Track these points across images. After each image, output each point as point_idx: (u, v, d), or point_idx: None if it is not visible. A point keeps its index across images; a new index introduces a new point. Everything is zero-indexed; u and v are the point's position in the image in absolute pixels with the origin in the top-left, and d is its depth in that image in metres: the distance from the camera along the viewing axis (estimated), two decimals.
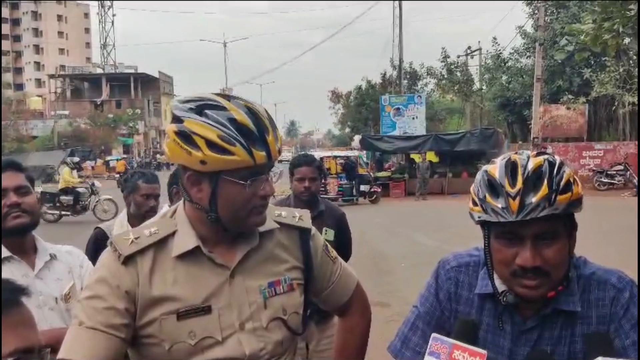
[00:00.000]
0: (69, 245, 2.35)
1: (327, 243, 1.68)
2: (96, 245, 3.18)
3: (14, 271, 2.04)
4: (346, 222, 3.77)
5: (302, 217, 1.61)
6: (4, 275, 1.96)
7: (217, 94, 1.41)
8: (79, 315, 1.39)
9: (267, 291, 1.48)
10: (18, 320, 0.88)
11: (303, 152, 5.08)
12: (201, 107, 1.36)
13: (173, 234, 1.45)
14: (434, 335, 1.35)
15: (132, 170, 3.94)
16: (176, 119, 1.38)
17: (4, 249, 2.05)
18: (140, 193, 3.31)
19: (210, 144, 1.33)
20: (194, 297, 1.41)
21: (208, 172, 1.37)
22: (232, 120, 1.35)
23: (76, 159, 19.00)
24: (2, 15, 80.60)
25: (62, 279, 2.12)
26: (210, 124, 1.34)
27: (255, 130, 1.36)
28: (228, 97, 1.40)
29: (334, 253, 1.68)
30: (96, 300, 1.38)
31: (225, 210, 1.40)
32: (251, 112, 1.38)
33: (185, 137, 1.35)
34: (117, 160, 41.51)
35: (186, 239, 1.44)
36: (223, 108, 1.36)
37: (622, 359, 1.23)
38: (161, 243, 1.44)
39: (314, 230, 1.62)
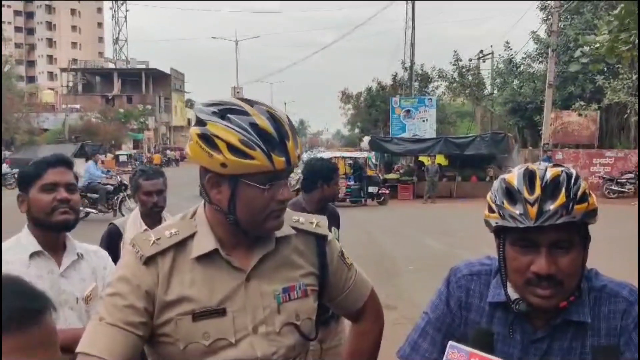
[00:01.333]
0: (96, 246, 2.38)
1: (343, 249, 1.68)
2: (109, 241, 3.24)
3: (41, 267, 2.07)
4: (339, 223, 4.02)
5: (319, 223, 1.61)
6: (31, 270, 2.01)
7: (241, 99, 1.44)
8: (100, 311, 1.43)
9: (281, 296, 1.49)
10: (38, 340, 0.83)
11: (318, 157, 5.16)
12: (224, 111, 1.39)
13: (193, 235, 1.47)
14: (451, 343, 1.36)
15: (135, 169, 3.97)
16: (199, 122, 1.41)
17: (35, 243, 2.08)
18: (142, 191, 3.32)
19: (232, 148, 1.35)
20: (210, 299, 1.44)
21: (228, 175, 1.39)
22: (254, 125, 1.37)
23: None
24: (16, 8, 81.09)
25: (85, 280, 2.15)
26: (233, 128, 1.36)
27: (276, 136, 1.38)
28: (251, 103, 1.42)
29: (349, 260, 1.69)
30: (117, 298, 1.41)
31: (243, 212, 1.42)
32: (273, 118, 1.40)
33: (208, 139, 1.37)
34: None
35: (205, 241, 1.46)
36: (246, 113, 1.38)
37: None
38: (181, 244, 1.46)
39: (330, 236, 1.63)
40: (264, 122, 1.38)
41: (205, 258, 1.46)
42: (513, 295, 1.42)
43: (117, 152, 44.89)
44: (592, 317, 1.40)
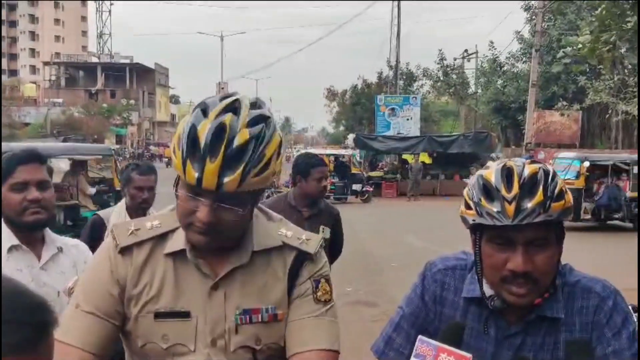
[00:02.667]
0: (76, 240, 2.34)
1: (327, 280, 1.47)
2: (92, 231, 3.23)
3: (20, 261, 2.02)
4: (340, 221, 3.93)
5: (309, 240, 1.47)
6: (10, 264, 1.95)
7: (253, 103, 1.32)
8: (77, 297, 1.40)
9: (239, 317, 1.39)
10: (45, 356, 0.78)
11: (305, 152, 5.12)
12: (208, 108, 1.29)
13: (174, 230, 1.41)
14: (420, 337, 1.35)
15: (128, 162, 3.96)
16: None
17: (12, 237, 2.02)
18: (133, 185, 3.31)
19: (177, 144, 1.29)
20: (176, 300, 1.38)
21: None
22: (194, 129, 1.25)
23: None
24: None
25: (65, 272, 2.10)
26: (185, 126, 1.28)
27: (202, 149, 1.24)
28: (236, 109, 1.28)
29: (327, 297, 1.44)
30: (94, 284, 1.39)
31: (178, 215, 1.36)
32: (218, 133, 1.24)
33: None
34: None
35: (179, 239, 1.39)
36: (208, 115, 1.27)
37: None
38: (160, 238, 1.41)
39: (317, 257, 1.46)
40: (202, 131, 1.24)
41: (179, 257, 1.40)
42: (488, 291, 1.41)
43: None
44: (565, 312, 1.40)
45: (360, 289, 8.09)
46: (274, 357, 1.43)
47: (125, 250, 1.39)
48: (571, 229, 11.91)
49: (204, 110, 1.28)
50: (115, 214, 3.33)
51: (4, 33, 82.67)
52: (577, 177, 14.27)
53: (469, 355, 1.31)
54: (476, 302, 1.45)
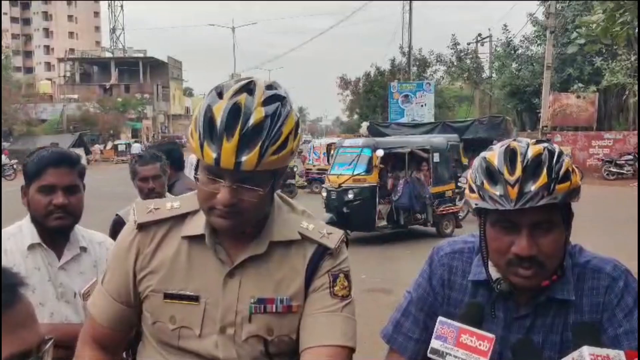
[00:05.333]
0: (102, 234, 2.28)
1: (347, 276, 1.44)
2: (115, 233, 3.22)
3: (40, 259, 1.99)
4: None
5: (330, 235, 1.44)
6: (29, 262, 1.96)
7: (268, 85, 1.31)
8: (105, 272, 1.50)
9: (254, 306, 1.38)
10: (15, 321, 0.78)
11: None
12: (223, 90, 1.29)
13: (194, 212, 1.41)
14: (440, 318, 1.36)
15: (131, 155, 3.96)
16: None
17: (35, 235, 2.00)
18: (139, 177, 3.30)
19: (193, 128, 1.30)
20: (187, 283, 1.39)
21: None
22: (209, 110, 1.26)
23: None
24: None
25: (85, 273, 2.06)
26: (201, 108, 1.28)
27: (218, 129, 1.24)
28: (251, 89, 1.28)
29: (345, 292, 1.41)
30: (113, 265, 1.46)
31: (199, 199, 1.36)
32: (234, 112, 1.24)
33: None
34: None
35: (198, 223, 1.40)
36: (222, 97, 1.27)
37: (607, 349, 1.23)
38: (179, 219, 1.42)
39: (338, 252, 1.44)
40: (217, 111, 1.24)
41: (196, 240, 1.40)
42: (494, 274, 1.41)
43: (116, 142, 44.81)
44: (575, 293, 1.39)
45: (376, 276, 8.09)
46: (285, 349, 1.41)
47: (143, 228, 1.41)
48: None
49: (220, 92, 1.28)
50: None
51: (18, 31, 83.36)
52: (369, 170, 10.80)
53: (491, 335, 1.31)
54: (484, 284, 1.44)
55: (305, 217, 1.47)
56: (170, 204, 1.43)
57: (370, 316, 6.08)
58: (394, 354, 1.53)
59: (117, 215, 3.38)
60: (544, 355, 1.38)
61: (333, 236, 1.44)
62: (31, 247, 1.99)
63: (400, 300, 1.60)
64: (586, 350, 1.21)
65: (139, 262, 1.41)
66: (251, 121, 1.23)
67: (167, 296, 1.39)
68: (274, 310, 1.38)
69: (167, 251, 1.40)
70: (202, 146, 1.25)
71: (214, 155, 1.23)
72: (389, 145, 11.41)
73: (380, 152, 10.70)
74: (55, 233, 2.01)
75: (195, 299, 1.38)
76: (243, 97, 1.25)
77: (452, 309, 1.47)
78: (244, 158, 1.23)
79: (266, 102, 1.26)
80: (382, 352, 1.59)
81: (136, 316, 1.47)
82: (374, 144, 11.10)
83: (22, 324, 0.79)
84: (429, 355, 1.35)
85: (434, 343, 1.33)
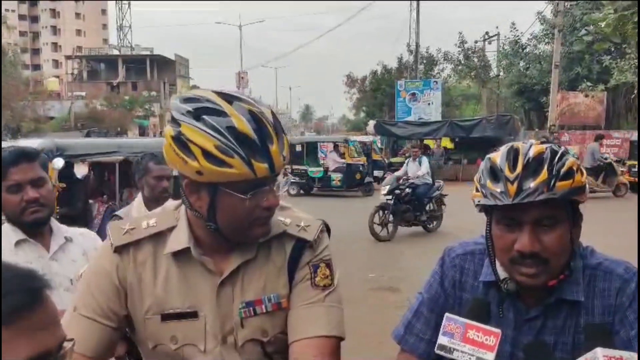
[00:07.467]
0: (83, 228, 2.36)
1: (328, 264, 1.43)
2: None
3: (29, 253, 2.05)
4: None
5: (308, 227, 1.43)
6: (19, 257, 1.98)
7: (220, 93, 1.28)
8: (75, 300, 1.38)
9: (243, 311, 1.37)
10: (34, 324, 0.76)
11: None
12: (199, 111, 1.24)
13: (172, 229, 1.38)
14: (447, 315, 1.36)
15: (142, 153, 3.92)
16: (173, 121, 1.26)
17: (18, 232, 2.05)
18: (151, 175, 3.28)
19: (207, 154, 1.22)
20: (183, 300, 1.36)
21: (206, 182, 1.26)
22: (232, 129, 1.22)
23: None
24: None
25: (76, 260, 2.12)
26: (208, 132, 1.22)
27: (257, 140, 1.23)
28: (231, 99, 1.27)
29: (327, 281, 1.40)
30: (91, 286, 1.37)
31: (225, 221, 1.30)
32: (255, 118, 1.25)
33: (182, 143, 1.24)
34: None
35: (181, 238, 1.36)
36: (224, 114, 1.24)
37: (621, 351, 1.22)
38: (159, 237, 1.38)
39: (317, 243, 1.43)
40: (244, 125, 1.23)
41: (182, 255, 1.36)
42: (502, 274, 1.41)
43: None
44: (586, 295, 1.38)
45: (384, 274, 8.09)
46: (284, 347, 1.40)
47: (121, 250, 1.36)
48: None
49: (200, 116, 1.24)
50: (135, 210, 3.29)
51: (26, 28, 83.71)
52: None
53: (497, 330, 1.31)
54: (495, 285, 1.44)
55: (279, 211, 1.42)
56: (146, 222, 1.39)
57: (376, 315, 6.09)
58: (405, 354, 1.53)
59: (115, 215, 3.36)
60: (556, 356, 1.37)
61: (311, 227, 1.42)
62: (18, 243, 2.05)
63: (409, 298, 1.61)
64: (600, 352, 1.21)
65: (127, 287, 1.36)
66: (270, 119, 1.29)
67: (165, 317, 1.36)
68: (263, 310, 1.38)
69: (155, 272, 1.37)
70: (250, 164, 1.24)
71: (266, 165, 1.25)
72: None
73: None
74: (35, 227, 2.06)
75: (194, 314, 1.36)
76: (244, 104, 1.28)
77: (463, 310, 1.47)
78: (284, 154, 1.29)
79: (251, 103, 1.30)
80: (389, 350, 1.60)
81: (116, 343, 1.40)
82: None
83: (42, 326, 0.77)
84: (436, 351, 1.36)
85: (442, 339, 1.35)
